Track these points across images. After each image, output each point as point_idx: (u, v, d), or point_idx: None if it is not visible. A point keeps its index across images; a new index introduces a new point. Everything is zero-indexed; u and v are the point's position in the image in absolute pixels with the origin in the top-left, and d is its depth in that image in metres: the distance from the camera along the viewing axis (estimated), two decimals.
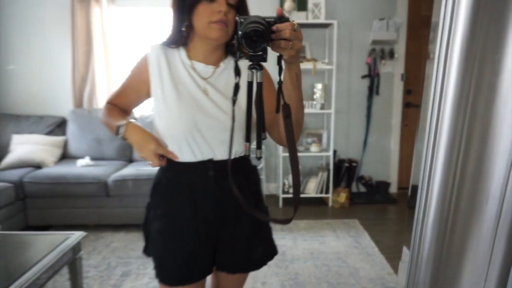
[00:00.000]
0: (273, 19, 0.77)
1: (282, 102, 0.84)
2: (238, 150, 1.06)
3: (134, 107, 1.16)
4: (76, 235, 1.74)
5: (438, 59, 0.69)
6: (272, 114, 0.97)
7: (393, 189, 4.02)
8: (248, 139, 0.90)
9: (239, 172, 1.04)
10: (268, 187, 3.88)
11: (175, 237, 1.06)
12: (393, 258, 2.52)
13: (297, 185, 0.87)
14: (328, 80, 3.73)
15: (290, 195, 3.56)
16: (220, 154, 1.04)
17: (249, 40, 0.74)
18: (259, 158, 0.88)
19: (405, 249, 2.05)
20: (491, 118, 0.60)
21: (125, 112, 1.14)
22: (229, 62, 1.07)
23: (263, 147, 4.14)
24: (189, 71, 1.04)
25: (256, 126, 0.86)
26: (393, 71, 3.82)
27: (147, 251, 1.16)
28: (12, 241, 1.74)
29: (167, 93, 1.02)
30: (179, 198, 1.05)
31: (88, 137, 3.40)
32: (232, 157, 1.00)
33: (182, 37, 1.02)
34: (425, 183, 0.73)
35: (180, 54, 1.05)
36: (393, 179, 4.02)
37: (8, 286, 1.33)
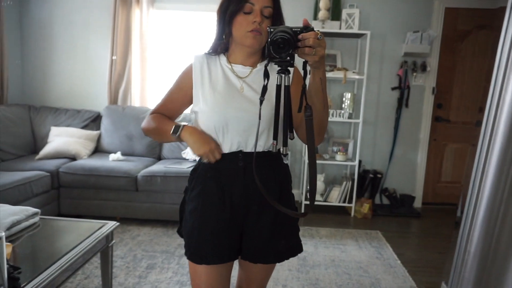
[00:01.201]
0: (299, 29, 0.87)
1: (304, 103, 0.93)
2: (266, 145, 1.14)
3: (179, 114, 1.25)
4: (110, 224, 1.83)
5: (496, 80, 0.71)
6: (301, 114, 1.06)
7: (417, 203, 3.95)
8: (275, 137, 0.99)
9: (266, 166, 1.13)
10: None
11: (203, 217, 1.15)
12: (416, 272, 2.49)
13: (313, 180, 0.96)
14: (358, 90, 3.73)
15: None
16: (250, 146, 1.13)
17: (276, 46, 0.84)
18: (285, 155, 0.98)
19: (443, 285, 2.00)
20: None
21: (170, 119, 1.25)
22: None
23: (289, 152, 4.17)
24: (228, 73, 1.16)
25: (283, 125, 0.97)
26: (424, 84, 3.79)
27: (180, 231, 1.25)
28: (51, 225, 1.84)
29: (206, 92, 1.14)
30: (210, 183, 1.15)
31: (120, 132, 3.53)
32: (261, 150, 1.12)
33: (223, 44, 1.15)
34: (476, 183, 0.75)
35: (220, 60, 1.18)
36: (418, 193, 3.96)
37: (48, 267, 1.42)
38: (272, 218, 1.16)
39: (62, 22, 3.80)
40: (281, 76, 0.89)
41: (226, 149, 1.13)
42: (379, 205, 3.85)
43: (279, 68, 0.88)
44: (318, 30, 0.86)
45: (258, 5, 1.07)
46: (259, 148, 1.13)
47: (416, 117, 3.85)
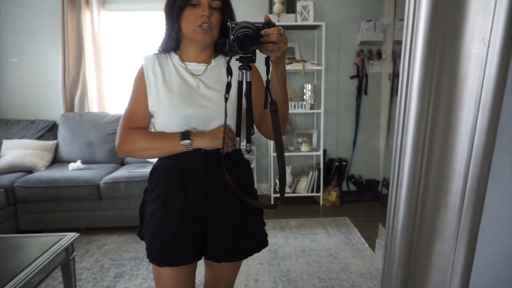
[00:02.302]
0: (261, 25, 0.87)
1: (269, 99, 0.93)
2: (229, 142, 1.13)
3: (150, 120, 1.19)
4: (69, 236, 1.76)
5: (404, 49, 0.75)
6: (261, 109, 1.09)
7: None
8: (238, 133, 0.98)
9: (229, 163, 1.11)
10: (259, 188, 3.92)
11: (165, 218, 1.13)
12: None
13: (282, 172, 0.98)
14: (317, 80, 3.79)
15: None
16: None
17: (240, 43, 0.84)
18: (248, 151, 0.98)
19: (380, 226, 2.12)
20: (453, 101, 0.65)
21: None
22: (219, 60, 1.17)
23: (253, 147, 4.14)
24: (182, 72, 1.14)
25: (246, 121, 0.96)
26: (380, 71, 3.90)
27: (140, 234, 1.22)
28: (3, 244, 1.74)
29: (161, 93, 1.11)
30: (171, 183, 1.13)
31: (79, 141, 3.41)
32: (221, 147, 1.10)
33: (173, 41, 1.13)
34: (396, 162, 0.78)
35: (172, 59, 1.15)
36: (382, 177, 4.08)
37: (3, 286, 1.35)
38: (237, 216, 1.16)
39: (7, 28, 3.59)
40: (243, 72, 0.89)
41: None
42: (346, 192, 3.94)
43: (241, 64, 0.88)
44: (279, 26, 0.88)
45: None
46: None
47: (375, 103, 3.95)
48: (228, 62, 0.95)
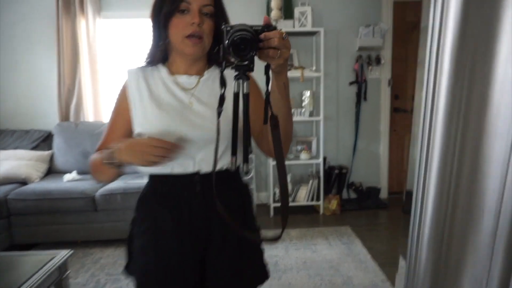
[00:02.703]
0: (260, 27, 0.75)
1: (269, 113, 0.81)
2: (225, 164, 1.01)
3: None
4: (61, 254, 1.69)
5: (429, 68, 0.69)
6: (260, 124, 0.95)
7: (384, 194, 4.03)
8: (234, 152, 0.83)
9: (226, 188, 1.00)
10: (259, 197, 3.86)
11: (159, 253, 1.00)
12: (386, 265, 2.51)
13: (285, 201, 0.83)
14: (316, 87, 3.74)
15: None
16: (207, 167, 0.99)
17: (237, 48, 0.72)
18: (246, 173, 0.84)
19: (401, 259, 2.02)
20: (483, 128, 0.59)
21: None
22: (213, 71, 1.05)
23: (252, 156, 4.05)
24: (171, 87, 1.01)
25: (243, 139, 0.82)
26: (380, 77, 3.85)
27: (128, 270, 1.08)
28: None
29: (148, 112, 0.98)
30: (162, 214, 1.00)
31: (74, 151, 3.34)
32: (217, 169, 0.96)
33: (161, 53, 1.01)
34: (419, 190, 0.72)
35: (160, 72, 1.03)
36: (383, 184, 4.03)
37: None
38: (237, 247, 1.03)
39: (1, 36, 3.54)
40: (239, 83, 0.76)
41: (180, 171, 0.99)
42: (347, 200, 3.89)
43: (237, 73, 0.75)
44: (282, 29, 0.76)
45: (195, 3, 0.92)
46: (218, 167, 0.99)
47: (375, 109, 3.91)
48: (221, 72, 0.80)
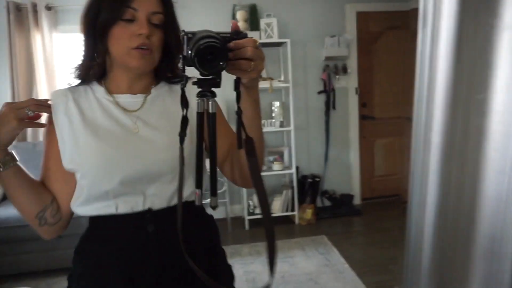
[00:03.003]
0: (228, 35, 0.64)
1: (243, 136, 0.68)
2: (187, 194, 0.84)
3: (72, 188, 0.85)
4: None
5: (417, 105, 0.66)
6: (224, 150, 0.85)
7: (357, 200, 4.06)
8: (199, 184, 0.68)
9: (190, 224, 0.80)
10: (232, 210, 3.77)
11: None
12: (364, 273, 2.49)
13: (272, 243, 0.68)
14: (285, 97, 3.74)
15: (256, 216, 3.47)
16: (160, 201, 0.82)
17: (203, 59, 0.59)
18: (214, 208, 0.67)
19: None
20: (480, 163, 0.56)
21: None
22: (161, 88, 0.89)
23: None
24: (111, 109, 0.83)
25: (210, 168, 0.67)
26: (347, 86, 3.91)
27: None
28: None
29: (81, 144, 0.80)
30: (106, 266, 0.82)
31: (33, 173, 3.10)
32: (176, 203, 0.81)
33: (97, 68, 0.83)
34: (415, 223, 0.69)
35: (94, 92, 0.85)
36: (355, 191, 4.06)
37: None
38: None
39: None
40: (203, 101, 0.63)
41: (126, 209, 0.81)
42: (322, 208, 3.88)
43: (200, 89, 0.63)
44: (253, 37, 0.65)
45: (143, 10, 0.77)
46: (176, 201, 0.83)
47: (344, 117, 3.95)
48: (182, 89, 0.65)
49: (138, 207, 0.81)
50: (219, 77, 0.62)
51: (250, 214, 3.51)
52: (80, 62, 0.84)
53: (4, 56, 3.26)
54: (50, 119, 0.83)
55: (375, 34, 3.96)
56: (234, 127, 0.77)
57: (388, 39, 3.97)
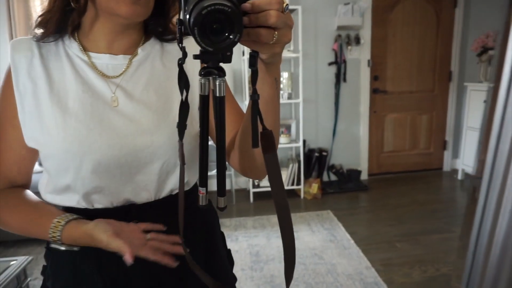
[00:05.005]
0: None
1: (260, 128, 0.49)
2: (175, 187, 0.70)
3: (31, 169, 0.71)
4: (20, 261, 1.52)
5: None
6: (230, 134, 0.66)
7: (364, 176, 3.99)
8: (204, 183, 0.50)
9: (192, 228, 0.69)
10: (237, 182, 3.74)
11: None
12: (369, 250, 2.46)
13: (290, 249, 0.50)
14: (295, 68, 3.60)
15: (260, 189, 3.44)
16: (146, 194, 0.68)
17: (207, 29, 0.40)
18: (222, 209, 0.52)
19: None
20: None
21: (25, 186, 0.71)
22: (152, 47, 0.70)
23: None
24: (85, 72, 0.65)
25: (217, 163, 0.50)
26: (359, 57, 3.75)
27: None
28: None
29: (46, 118, 0.63)
30: (84, 267, 0.67)
31: None
32: (165, 195, 0.69)
33: (76, 16, 0.63)
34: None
35: (66, 48, 0.66)
36: (363, 166, 3.99)
37: None
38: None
39: None
40: (208, 81, 0.46)
41: (103, 205, 0.67)
42: (328, 183, 3.83)
43: (205, 66, 0.46)
44: None
45: None
46: (165, 193, 0.69)
47: (354, 91, 3.82)
48: (180, 64, 0.47)
49: (119, 202, 0.67)
50: (231, 50, 0.43)
51: (254, 186, 3.47)
52: (48, 10, 0.63)
53: (3, 21, 3.15)
54: (7, 77, 0.64)
55: (391, 2, 3.75)
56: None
57: (405, 7, 3.76)
